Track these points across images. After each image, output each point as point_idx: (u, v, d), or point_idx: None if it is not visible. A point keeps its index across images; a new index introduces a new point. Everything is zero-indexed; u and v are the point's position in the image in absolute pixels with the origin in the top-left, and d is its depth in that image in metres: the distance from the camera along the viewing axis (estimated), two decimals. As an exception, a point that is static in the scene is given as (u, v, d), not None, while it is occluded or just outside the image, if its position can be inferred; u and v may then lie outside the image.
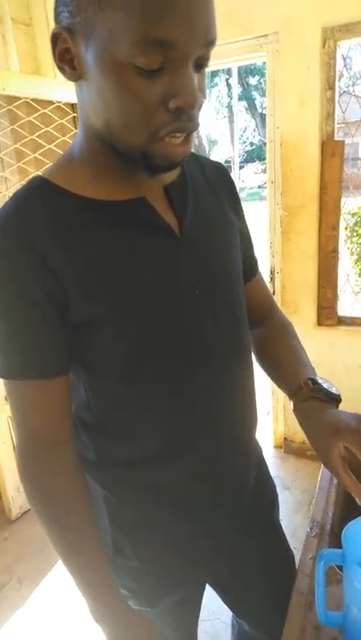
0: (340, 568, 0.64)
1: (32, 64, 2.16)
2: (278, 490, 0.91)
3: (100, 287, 0.57)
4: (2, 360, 0.59)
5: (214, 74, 15.09)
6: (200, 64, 0.51)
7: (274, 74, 1.94)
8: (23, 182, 0.76)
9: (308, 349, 0.80)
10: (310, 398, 0.68)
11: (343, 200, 2.01)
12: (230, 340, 0.69)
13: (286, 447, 2.38)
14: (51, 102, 2.02)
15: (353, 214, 3.31)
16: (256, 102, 17.99)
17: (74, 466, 0.64)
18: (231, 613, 1.00)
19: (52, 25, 0.52)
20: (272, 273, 2.18)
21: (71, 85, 0.55)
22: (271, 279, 2.18)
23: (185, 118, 0.51)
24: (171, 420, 0.65)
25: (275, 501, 0.90)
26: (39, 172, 0.62)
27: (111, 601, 0.66)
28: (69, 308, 0.56)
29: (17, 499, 2.06)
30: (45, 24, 2.08)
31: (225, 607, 0.96)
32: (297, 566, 0.74)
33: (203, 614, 0.87)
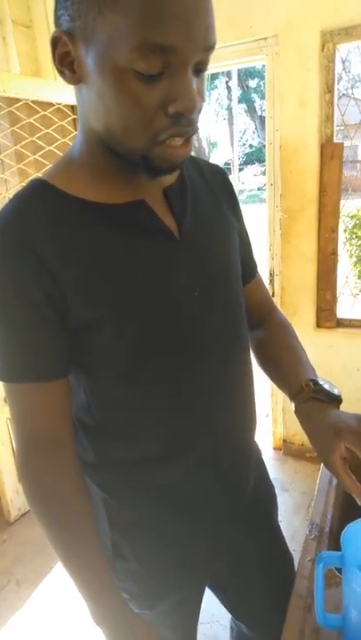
0: (339, 571, 0.64)
1: (32, 66, 2.17)
2: (277, 492, 0.91)
3: (99, 288, 0.57)
4: (1, 362, 0.59)
5: (214, 76, 15.13)
6: (199, 69, 0.51)
7: (273, 76, 1.95)
8: (23, 184, 0.76)
9: (307, 351, 0.80)
10: (311, 399, 0.68)
11: (342, 202, 2.01)
12: (229, 341, 0.69)
13: (285, 449, 2.38)
14: (51, 104, 2.02)
15: (352, 217, 3.32)
16: (256, 105, 18.03)
17: (74, 467, 0.64)
18: (230, 616, 1.00)
19: (53, 27, 0.52)
20: (271, 275, 2.19)
21: (71, 87, 0.56)
22: (270, 281, 2.18)
23: (184, 123, 0.51)
24: (170, 421, 0.65)
25: (274, 503, 0.90)
26: (39, 175, 0.62)
27: (111, 603, 0.66)
28: (69, 309, 0.57)
29: (16, 500, 2.06)
30: (46, 26, 2.09)
31: (224, 610, 0.96)
32: (296, 569, 0.74)
33: (202, 617, 0.87)
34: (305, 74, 1.86)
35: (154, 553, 0.71)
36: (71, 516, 0.63)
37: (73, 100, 0.61)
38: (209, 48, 0.50)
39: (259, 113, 17.73)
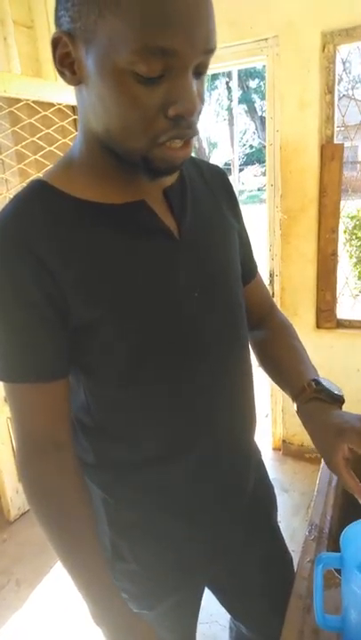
0: (339, 571, 0.64)
1: (33, 66, 2.17)
2: (277, 492, 0.91)
3: (99, 288, 0.57)
4: (1, 362, 0.59)
5: (215, 77, 15.13)
6: (199, 71, 0.51)
7: (274, 77, 1.95)
8: (24, 184, 0.76)
9: (306, 352, 0.80)
10: (314, 399, 0.68)
11: (342, 203, 2.02)
12: (229, 341, 0.70)
13: (285, 449, 2.38)
14: (51, 104, 2.02)
15: (352, 217, 3.32)
16: (256, 105, 18.03)
17: (73, 468, 0.64)
18: (229, 616, 1.00)
19: (54, 28, 0.52)
20: (271, 276, 2.19)
21: (72, 88, 0.56)
22: (270, 282, 2.19)
23: (184, 125, 0.51)
24: (170, 421, 0.65)
25: (274, 503, 0.90)
26: (39, 175, 0.62)
27: (111, 603, 0.66)
28: (69, 309, 0.57)
29: (15, 500, 2.06)
30: (47, 27, 2.10)
31: (223, 610, 0.95)
32: (295, 569, 0.74)
33: (201, 617, 0.87)
34: (305, 75, 1.86)
35: (152, 555, 0.71)
36: (70, 516, 0.63)
37: (73, 101, 0.61)
38: (209, 51, 0.50)
39: (259, 113, 17.73)
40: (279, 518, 0.92)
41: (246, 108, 18.32)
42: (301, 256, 2.09)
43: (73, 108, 2.12)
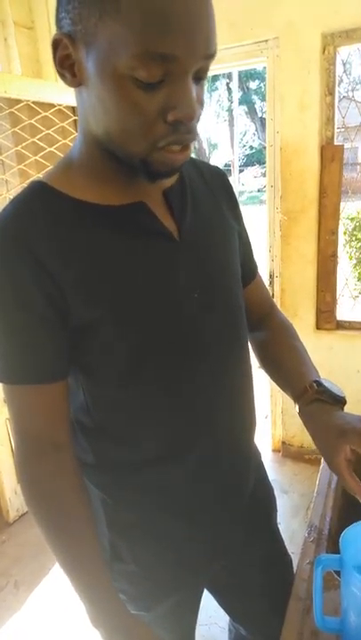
0: (338, 573, 0.64)
1: (34, 67, 2.17)
2: (276, 493, 0.91)
3: (99, 288, 0.57)
4: (1, 364, 0.59)
5: (215, 78, 15.16)
6: (199, 76, 0.51)
7: (274, 78, 1.95)
8: (24, 185, 0.76)
9: (306, 353, 0.80)
10: (316, 400, 0.68)
11: (342, 205, 2.02)
12: (229, 342, 0.70)
13: (284, 451, 2.38)
14: (52, 105, 2.02)
15: (352, 219, 3.32)
16: (256, 106, 18.06)
17: (73, 469, 0.64)
18: (228, 618, 1.00)
19: (54, 29, 0.52)
20: (271, 277, 2.19)
21: (72, 89, 0.56)
22: (270, 283, 2.19)
23: (183, 130, 0.51)
24: (170, 421, 0.65)
25: (273, 504, 0.90)
26: (39, 176, 0.62)
27: (109, 605, 0.66)
28: (70, 309, 0.57)
29: (14, 501, 2.05)
30: (47, 28, 2.10)
31: (222, 611, 0.95)
32: (295, 571, 0.73)
33: (200, 618, 0.87)
34: (306, 76, 1.86)
35: (152, 555, 0.71)
36: (69, 517, 0.63)
37: (74, 102, 0.61)
38: (210, 56, 0.50)
39: (259, 115, 17.77)
40: (278, 520, 0.92)
41: (246, 110, 18.36)
42: (301, 257, 2.09)
43: (73, 109, 2.13)
